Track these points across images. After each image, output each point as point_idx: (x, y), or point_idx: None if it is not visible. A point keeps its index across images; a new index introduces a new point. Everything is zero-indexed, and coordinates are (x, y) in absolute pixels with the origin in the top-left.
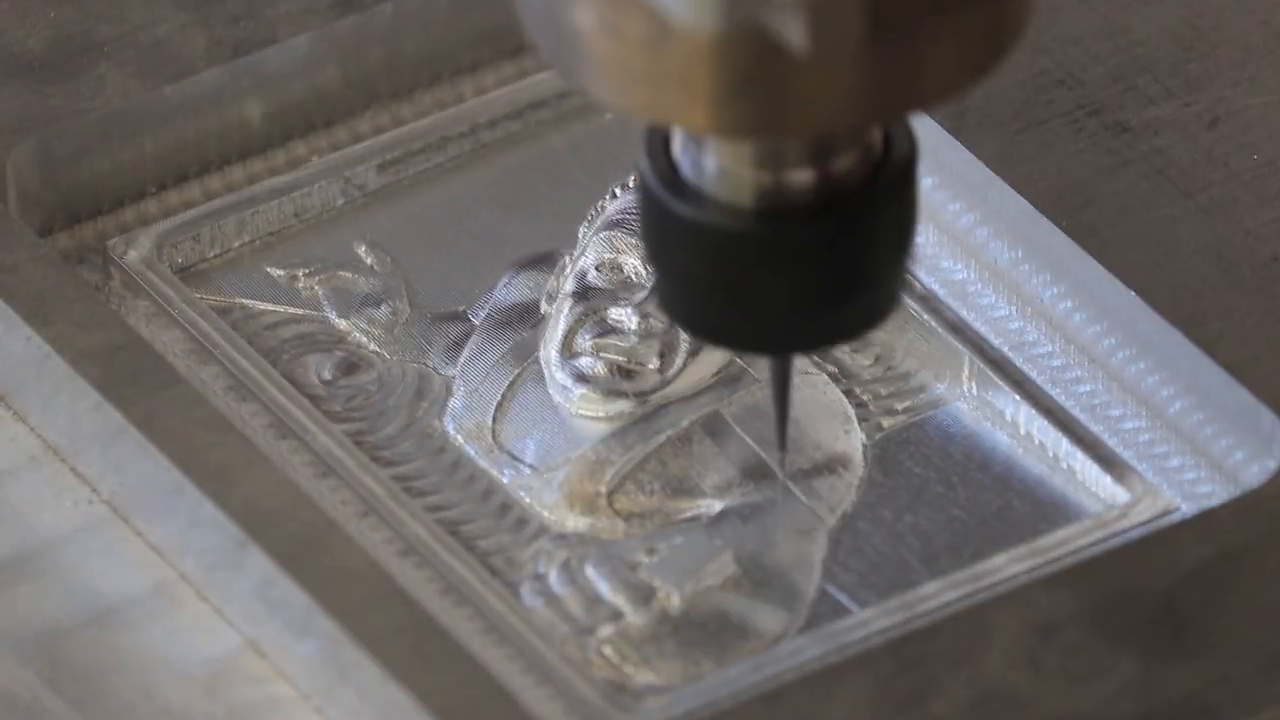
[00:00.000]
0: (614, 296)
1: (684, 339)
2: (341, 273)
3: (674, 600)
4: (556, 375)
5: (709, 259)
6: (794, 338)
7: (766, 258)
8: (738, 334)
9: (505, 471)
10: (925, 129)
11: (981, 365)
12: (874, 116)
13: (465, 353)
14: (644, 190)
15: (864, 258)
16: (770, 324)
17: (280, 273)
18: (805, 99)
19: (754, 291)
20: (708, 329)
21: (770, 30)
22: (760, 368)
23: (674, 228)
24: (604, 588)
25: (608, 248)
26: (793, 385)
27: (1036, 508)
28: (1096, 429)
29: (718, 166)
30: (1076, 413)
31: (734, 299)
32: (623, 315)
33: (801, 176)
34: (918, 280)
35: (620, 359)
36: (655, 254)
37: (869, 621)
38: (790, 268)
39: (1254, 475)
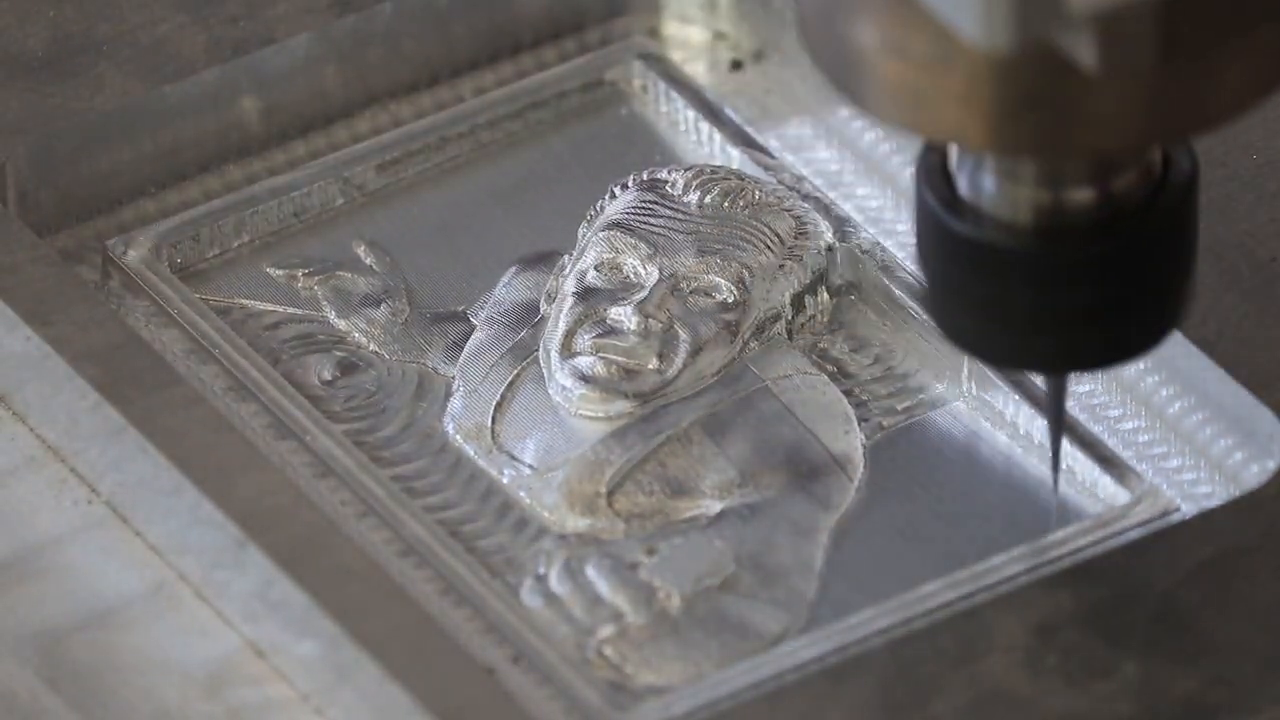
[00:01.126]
0: (614, 296)
1: (684, 339)
2: (341, 273)
3: (674, 600)
4: (556, 375)
5: (985, 277)
6: (1070, 356)
7: (1044, 276)
8: (1013, 352)
9: (505, 472)
10: None
11: (981, 365)
12: (1160, 137)
13: (465, 353)
14: (920, 208)
15: (1142, 277)
16: (1046, 342)
17: (280, 273)
18: (1092, 119)
19: (1030, 309)
20: (983, 347)
21: (1060, 49)
22: (762, 366)
23: (950, 246)
24: (604, 588)
25: (607, 248)
26: (1065, 407)
27: (1036, 508)
28: (1096, 429)
29: (996, 185)
30: (1076, 413)
31: (1010, 317)
32: (622, 315)
33: (1082, 195)
34: (917, 280)
35: (620, 359)
36: (930, 272)
37: (869, 621)
38: (1067, 286)
39: (1254, 476)
